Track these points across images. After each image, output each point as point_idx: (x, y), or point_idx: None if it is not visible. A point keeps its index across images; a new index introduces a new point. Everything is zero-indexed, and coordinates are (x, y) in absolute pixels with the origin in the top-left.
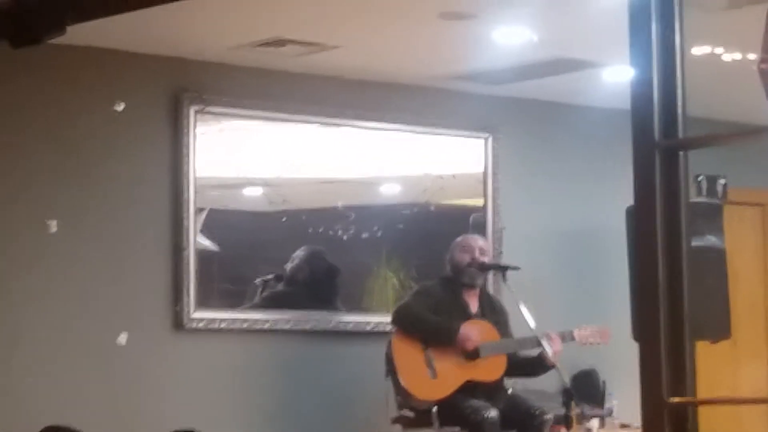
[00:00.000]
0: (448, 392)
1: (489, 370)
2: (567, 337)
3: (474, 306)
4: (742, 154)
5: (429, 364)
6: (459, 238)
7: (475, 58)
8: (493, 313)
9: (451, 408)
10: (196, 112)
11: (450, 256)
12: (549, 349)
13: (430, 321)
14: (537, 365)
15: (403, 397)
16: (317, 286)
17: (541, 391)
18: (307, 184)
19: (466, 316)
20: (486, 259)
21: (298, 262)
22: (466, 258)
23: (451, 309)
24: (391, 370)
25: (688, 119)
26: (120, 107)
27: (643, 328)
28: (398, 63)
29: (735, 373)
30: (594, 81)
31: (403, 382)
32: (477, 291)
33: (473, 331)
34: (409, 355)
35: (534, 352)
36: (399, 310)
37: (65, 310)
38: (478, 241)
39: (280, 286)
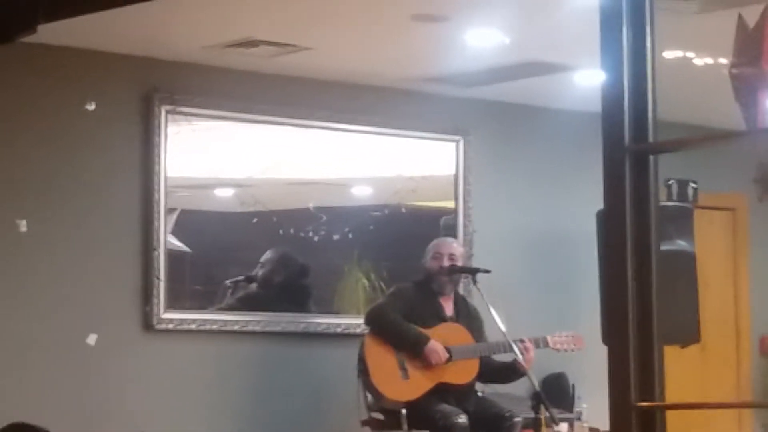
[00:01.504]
0: (419, 393)
1: (461, 373)
2: (540, 343)
3: (449, 310)
4: (713, 158)
5: (401, 365)
6: (433, 243)
7: (447, 61)
8: (468, 317)
9: (420, 412)
10: (168, 112)
11: (425, 260)
12: (520, 356)
13: (402, 329)
14: (510, 372)
15: (374, 397)
16: (287, 287)
17: (510, 394)
18: (278, 185)
19: (441, 319)
20: (457, 263)
21: (268, 265)
22: (435, 266)
23: (426, 312)
24: (363, 370)
25: (659, 123)
26: (91, 107)
27: (612, 332)
28: (370, 65)
29: (704, 378)
30: (565, 84)
31: (374, 382)
32: (452, 295)
33: (446, 336)
34: (381, 356)
35: (507, 359)
36: (373, 311)
37: (34, 309)
38: (449, 247)
39: (250, 288)
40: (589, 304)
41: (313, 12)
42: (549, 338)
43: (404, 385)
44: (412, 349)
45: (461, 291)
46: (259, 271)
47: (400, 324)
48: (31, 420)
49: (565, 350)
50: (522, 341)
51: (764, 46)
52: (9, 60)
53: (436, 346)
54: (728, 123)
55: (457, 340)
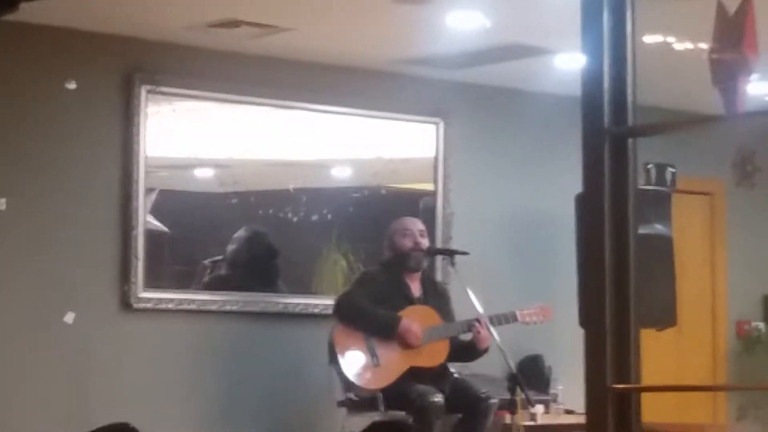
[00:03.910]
0: (390, 380)
1: (431, 355)
2: (510, 318)
3: (416, 290)
4: (692, 142)
5: (372, 352)
6: (396, 223)
7: (428, 43)
8: (436, 296)
9: (396, 392)
10: (148, 92)
11: (390, 241)
12: (475, 334)
13: (371, 314)
14: (471, 350)
15: (347, 385)
16: (260, 266)
17: (486, 375)
18: (258, 166)
19: (409, 301)
20: (427, 242)
21: (238, 243)
22: (407, 243)
23: (394, 295)
24: (334, 359)
25: (639, 107)
26: (72, 86)
27: (589, 314)
28: (352, 46)
29: (680, 361)
30: (546, 67)
31: (345, 371)
32: (419, 274)
33: (415, 319)
34: (351, 344)
35: (469, 337)
36: (340, 301)
37: (12, 287)
38: (417, 224)
39: (227, 268)
40: (567, 286)
41: None
42: (518, 312)
43: (375, 372)
44: (384, 332)
45: (439, 273)
46: (230, 246)
47: (370, 310)
48: (4, 398)
49: (534, 322)
50: (477, 321)
51: (744, 31)
52: None
53: (410, 326)
54: (707, 108)
55: (427, 323)
